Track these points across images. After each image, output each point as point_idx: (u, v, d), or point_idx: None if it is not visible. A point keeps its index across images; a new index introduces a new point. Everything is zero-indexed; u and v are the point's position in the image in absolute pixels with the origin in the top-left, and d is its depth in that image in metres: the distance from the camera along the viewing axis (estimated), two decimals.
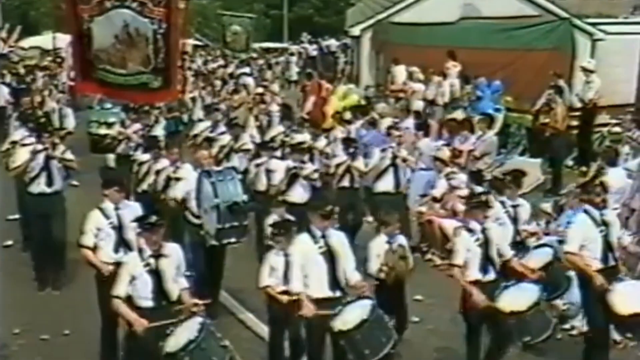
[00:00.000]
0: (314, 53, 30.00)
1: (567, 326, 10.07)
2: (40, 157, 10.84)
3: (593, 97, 15.61)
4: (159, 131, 14.85)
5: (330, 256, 7.74)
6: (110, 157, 16.43)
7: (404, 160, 12.13)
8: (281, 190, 11.51)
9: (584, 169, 14.04)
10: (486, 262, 8.22)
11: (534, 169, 15.18)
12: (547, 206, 12.89)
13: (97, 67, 12.94)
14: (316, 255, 7.72)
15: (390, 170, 12.00)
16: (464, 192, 11.89)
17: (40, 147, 10.91)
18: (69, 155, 11.14)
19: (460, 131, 14.85)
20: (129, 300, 7.32)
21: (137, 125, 14.55)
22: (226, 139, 14.22)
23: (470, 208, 8.57)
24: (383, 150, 12.09)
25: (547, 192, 14.62)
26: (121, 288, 7.34)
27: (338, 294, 7.76)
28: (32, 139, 11.45)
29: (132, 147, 13.84)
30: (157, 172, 11.54)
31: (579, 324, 9.88)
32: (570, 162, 15.69)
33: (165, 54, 12.55)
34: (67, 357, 9.04)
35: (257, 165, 12.19)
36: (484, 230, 8.31)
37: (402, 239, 8.94)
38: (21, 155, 11.05)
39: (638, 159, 11.89)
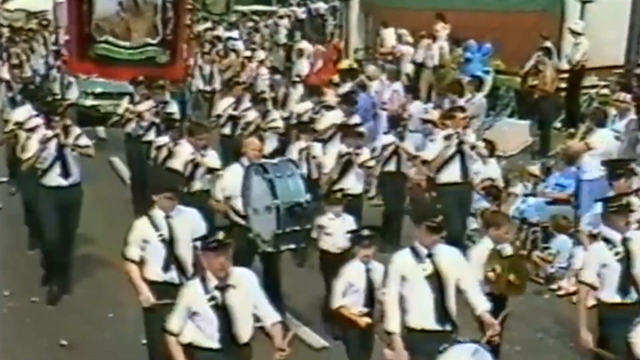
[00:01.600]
0: (303, 16, 29.74)
1: (554, 286, 10.20)
2: (52, 146, 9.35)
3: (580, 58, 15.60)
4: (175, 108, 13.08)
5: (438, 281, 6.23)
6: (100, 130, 16.12)
7: (473, 147, 10.36)
8: (332, 180, 10.08)
9: (572, 130, 14.08)
10: (627, 280, 6.75)
11: (522, 131, 15.25)
12: (535, 168, 12.98)
13: (98, 41, 12.12)
14: (420, 280, 6.24)
15: (457, 157, 10.18)
16: None
17: (50, 133, 9.36)
18: (84, 141, 9.64)
19: (449, 93, 14.86)
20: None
21: (150, 102, 12.68)
22: (252, 115, 12.88)
23: (609, 213, 6.96)
24: (448, 137, 10.14)
25: (535, 154, 14.68)
26: (177, 323, 5.91)
27: (448, 327, 6.26)
28: (39, 120, 10.03)
29: (143, 127, 12.37)
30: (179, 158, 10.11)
31: (566, 284, 10.00)
32: (558, 124, 15.70)
33: (174, 25, 11.81)
34: (58, 320, 9.07)
35: (300, 151, 10.63)
36: (625, 241, 6.79)
37: (508, 248, 7.30)
38: (31, 145, 9.56)
39: (625, 120, 11.91)
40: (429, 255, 6.26)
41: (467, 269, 6.45)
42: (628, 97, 12.39)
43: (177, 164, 9.99)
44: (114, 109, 17.65)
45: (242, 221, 8.10)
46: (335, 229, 8.59)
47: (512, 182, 11.96)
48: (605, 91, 14.53)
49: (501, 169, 11.73)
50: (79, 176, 9.51)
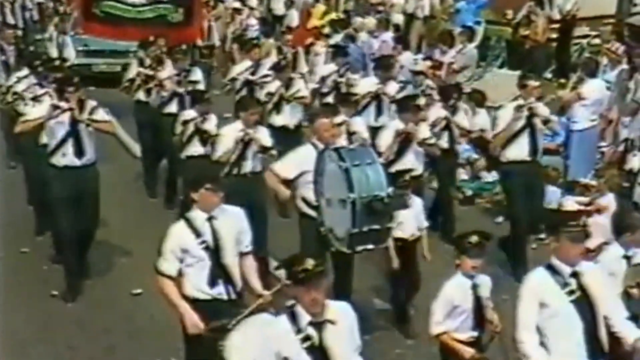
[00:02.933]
0: None
1: (541, 236, 10.23)
2: (65, 119, 8.17)
3: (571, 8, 15.51)
4: (199, 76, 11.60)
5: (588, 306, 4.99)
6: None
7: (546, 121, 9.02)
8: (389, 160, 8.65)
9: (562, 81, 14.05)
10: None
11: (512, 82, 15.18)
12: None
13: None
14: (565, 306, 4.98)
15: (526, 132, 8.93)
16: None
17: (64, 105, 8.13)
18: (101, 114, 8.43)
19: (440, 44, 14.81)
20: None
21: (170, 69, 11.13)
22: (274, 85, 11.18)
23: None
24: (519, 106, 8.84)
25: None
26: None
27: None
28: (42, 90, 9.14)
29: (165, 96, 10.93)
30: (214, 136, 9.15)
31: None
32: (549, 75, 15.66)
33: None
34: (49, 271, 9.06)
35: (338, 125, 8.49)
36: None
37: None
38: (34, 111, 8.51)
39: (616, 70, 11.89)
40: (574, 275, 5.01)
41: (609, 287, 5.22)
42: (621, 47, 12.37)
43: (220, 146, 8.67)
44: (108, 68, 16.81)
45: (311, 212, 6.99)
46: (406, 216, 7.42)
47: None
48: (596, 41, 14.47)
49: (491, 120, 11.67)
50: (94, 155, 8.38)
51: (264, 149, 8.67)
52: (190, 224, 5.93)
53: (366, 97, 11.06)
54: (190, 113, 9.76)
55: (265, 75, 11.52)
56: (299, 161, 7.17)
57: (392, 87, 11.25)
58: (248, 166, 8.69)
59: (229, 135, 8.68)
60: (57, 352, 7.52)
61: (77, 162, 8.23)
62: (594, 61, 12.05)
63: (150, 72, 11.19)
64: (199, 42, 16.57)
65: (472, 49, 15.02)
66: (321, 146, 7.02)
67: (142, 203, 11.19)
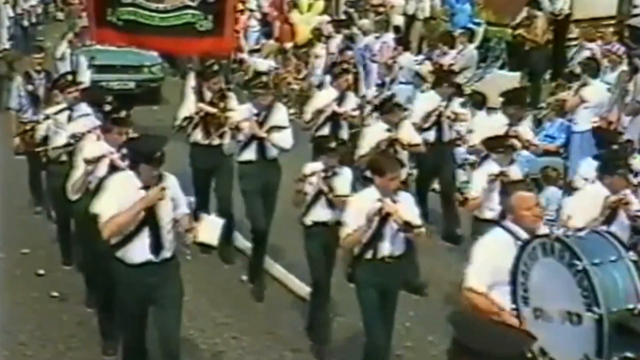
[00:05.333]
0: None
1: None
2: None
3: (562, 7, 15.51)
4: (284, 114, 9.00)
5: None
6: None
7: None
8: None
9: (559, 81, 14.04)
10: None
11: (512, 83, 15.18)
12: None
13: (122, 3, 9.97)
14: None
15: None
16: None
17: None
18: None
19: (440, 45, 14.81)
20: None
21: (248, 107, 8.70)
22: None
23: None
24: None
25: (526, 106, 14.61)
26: None
27: None
28: (104, 145, 7.18)
29: (241, 141, 8.65)
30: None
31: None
32: (548, 76, 15.64)
33: None
34: (48, 272, 9.03)
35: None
36: None
37: None
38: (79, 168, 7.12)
39: (616, 72, 11.90)
40: None
41: None
42: (622, 49, 12.39)
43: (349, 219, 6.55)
44: (120, 85, 15.08)
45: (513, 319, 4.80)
46: None
47: None
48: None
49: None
50: None
51: (407, 226, 6.42)
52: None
53: (430, 117, 9.98)
54: (315, 166, 7.48)
55: (357, 108, 9.96)
56: (495, 263, 5.00)
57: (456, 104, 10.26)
58: (385, 248, 6.56)
59: (361, 205, 6.53)
60: (57, 352, 7.50)
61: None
62: (595, 62, 12.08)
63: (213, 110, 9.12)
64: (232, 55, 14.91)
65: (472, 50, 15.02)
66: (520, 232, 5.14)
67: None
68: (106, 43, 12.22)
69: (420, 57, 15.16)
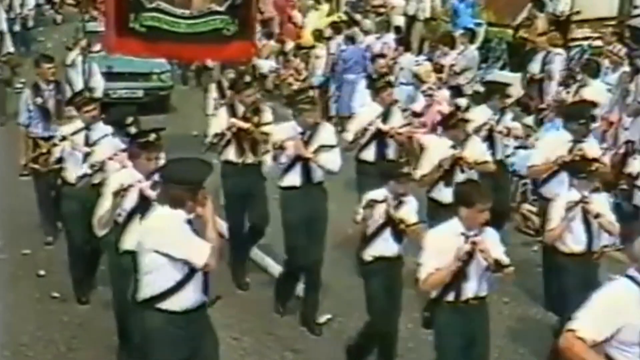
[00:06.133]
0: None
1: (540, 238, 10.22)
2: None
3: (563, 9, 15.51)
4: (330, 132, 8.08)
5: None
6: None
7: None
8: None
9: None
10: None
11: (514, 84, 15.19)
12: (530, 120, 12.98)
13: (145, 8, 9.46)
14: None
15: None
16: (445, 107, 11.88)
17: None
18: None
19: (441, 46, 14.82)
20: None
21: (293, 125, 7.83)
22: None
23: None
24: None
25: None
26: None
27: None
28: (114, 144, 7.13)
29: (284, 163, 7.79)
30: None
31: None
32: None
33: None
34: (49, 273, 9.03)
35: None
36: None
37: None
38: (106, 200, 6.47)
39: (617, 73, 11.89)
40: None
41: None
42: (623, 50, 12.39)
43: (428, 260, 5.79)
44: (128, 93, 14.50)
45: None
46: None
47: None
48: (598, 43, 14.45)
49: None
50: None
51: (497, 265, 5.75)
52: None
53: (482, 129, 9.16)
54: (379, 194, 6.70)
55: (405, 125, 9.22)
56: (622, 320, 4.33)
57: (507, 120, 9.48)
58: (470, 289, 5.85)
59: (442, 241, 5.80)
60: (58, 353, 7.51)
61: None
62: (595, 63, 12.09)
63: (247, 125, 8.47)
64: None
65: (473, 51, 15.01)
66: None
67: None
68: (126, 53, 11.53)
69: (421, 57, 15.15)
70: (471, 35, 15.33)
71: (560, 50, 13.71)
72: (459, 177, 7.77)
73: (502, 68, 16.43)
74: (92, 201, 6.87)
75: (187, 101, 15.70)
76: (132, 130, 7.01)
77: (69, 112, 8.82)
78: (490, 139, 8.98)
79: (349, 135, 8.90)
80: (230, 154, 8.57)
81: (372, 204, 6.54)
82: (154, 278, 5.32)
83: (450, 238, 5.69)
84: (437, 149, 8.11)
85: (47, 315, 8.16)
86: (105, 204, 6.44)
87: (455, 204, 5.81)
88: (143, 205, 6.24)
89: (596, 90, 11.20)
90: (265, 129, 8.25)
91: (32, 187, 9.94)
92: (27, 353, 7.48)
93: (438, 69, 13.82)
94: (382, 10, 18.98)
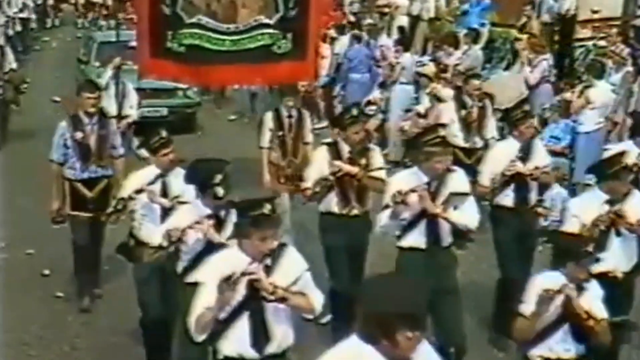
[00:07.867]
0: None
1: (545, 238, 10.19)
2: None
3: (569, 8, 15.49)
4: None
5: None
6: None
7: None
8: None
9: (565, 81, 14.02)
10: None
11: (518, 84, 15.17)
12: (533, 120, 12.96)
13: (185, 24, 8.39)
14: None
15: None
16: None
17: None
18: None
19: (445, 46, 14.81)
20: None
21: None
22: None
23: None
24: None
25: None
26: None
27: None
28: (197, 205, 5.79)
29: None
30: None
31: None
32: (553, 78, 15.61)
33: None
34: (54, 273, 9.03)
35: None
36: None
37: None
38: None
39: (621, 73, 11.88)
40: None
41: None
42: (626, 50, 12.37)
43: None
44: (150, 112, 12.48)
45: None
46: None
47: None
48: (602, 43, 14.43)
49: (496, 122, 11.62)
50: None
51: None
52: None
53: None
54: (554, 283, 5.38)
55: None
56: None
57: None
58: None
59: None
60: (62, 353, 7.51)
61: None
62: (600, 63, 12.07)
63: (355, 170, 7.23)
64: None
65: (477, 51, 15.01)
66: None
67: None
68: (162, 77, 10.22)
69: (425, 58, 15.14)
70: (475, 35, 15.33)
71: (546, 55, 13.69)
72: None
73: (506, 68, 16.41)
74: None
75: (216, 120, 15.21)
76: (220, 191, 5.68)
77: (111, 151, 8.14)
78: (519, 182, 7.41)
79: (484, 180, 7.40)
80: (332, 203, 7.22)
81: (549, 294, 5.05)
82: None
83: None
84: (588, 203, 6.38)
85: (51, 314, 8.16)
86: (205, 299, 4.67)
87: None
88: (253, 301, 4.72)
89: (601, 91, 11.20)
90: (375, 174, 7.04)
91: (32, 186, 9.95)
92: (30, 352, 7.48)
93: (442, 69, 13.81)
94: (386, 10, 18.98)
